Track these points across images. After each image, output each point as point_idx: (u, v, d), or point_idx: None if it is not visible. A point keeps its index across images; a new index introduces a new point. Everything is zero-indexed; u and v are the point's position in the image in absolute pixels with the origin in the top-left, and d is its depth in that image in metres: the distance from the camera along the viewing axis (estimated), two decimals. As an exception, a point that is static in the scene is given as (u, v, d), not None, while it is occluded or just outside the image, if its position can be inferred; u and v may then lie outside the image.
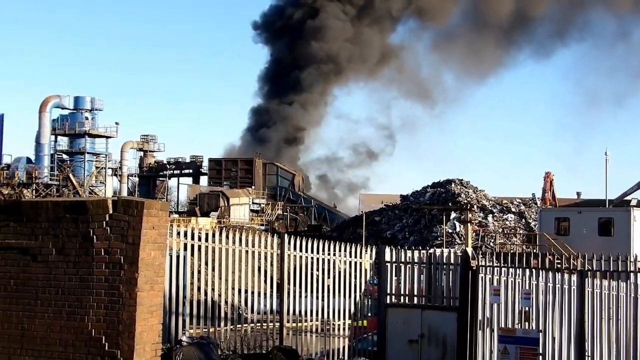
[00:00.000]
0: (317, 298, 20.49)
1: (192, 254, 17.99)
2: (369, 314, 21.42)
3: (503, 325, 18.74)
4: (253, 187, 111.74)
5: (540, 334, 17.68)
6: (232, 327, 19.04)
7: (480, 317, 19.02)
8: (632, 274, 18.46)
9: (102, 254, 13.10)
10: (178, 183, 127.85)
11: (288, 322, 19.74)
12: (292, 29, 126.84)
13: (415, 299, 20.44)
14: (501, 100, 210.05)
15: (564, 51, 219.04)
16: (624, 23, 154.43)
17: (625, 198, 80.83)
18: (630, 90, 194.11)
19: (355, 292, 21.07)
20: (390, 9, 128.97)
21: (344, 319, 21.08)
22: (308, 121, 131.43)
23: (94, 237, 13.15)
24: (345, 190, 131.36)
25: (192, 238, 17.84)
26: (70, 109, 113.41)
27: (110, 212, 13.13)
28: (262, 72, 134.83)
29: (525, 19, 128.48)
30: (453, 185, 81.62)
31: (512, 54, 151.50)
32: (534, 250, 51.83)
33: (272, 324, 19.49)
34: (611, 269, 18.56)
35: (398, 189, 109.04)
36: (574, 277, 18.74)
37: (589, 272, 18.66)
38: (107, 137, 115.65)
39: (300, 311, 20.13)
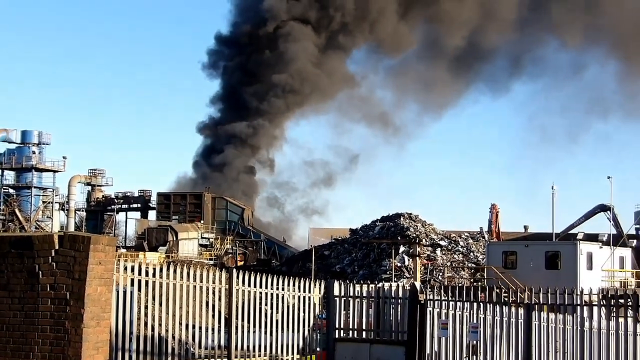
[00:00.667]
0: (266, 333, 20.42)
1: (140, 289, 17.85)
2: (318, 349, 21.38)
3: (451, 359, 18.80)
4: (202, 221, 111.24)
5: (488, 367, 17.75)
6: (179, 362, 18.89)
7: (428, 350, 19.07)
8: (578, 307, 18.62)
9: (48, 289, 12.96)
10: (126, 217, 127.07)
11: (236, 357, 19.63)
12: (248, 54, 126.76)
13: (364, 333, 20.45)
14: (453, 135, 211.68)
15: (518, 87, 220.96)
16: (576, 58, 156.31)
17: (572, 231, 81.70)
18: (583, 125, 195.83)
19: (304, 326, 21.03)
20: (349, 38, 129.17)
21: (293, 353, 21.01)
22: (262, 149, 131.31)
23: (40, 272, 13.02)
24: (297, 215, 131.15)
25: (140, 273, 17.71)
26: (17, 143, 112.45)
27: (57, 247, 13.02)
28: (214, 99, 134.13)
29: (479, 55, 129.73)
30: (402, 219, 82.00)
31: (467, 89, 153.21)
32: (482, 284, 52.12)
33: (220, 359, 19.38)
34: (557, 302, 18.71)
35: (348, 223, 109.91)
36: (521, 311, 18.87)
37: (535, 305, 18.80)
38: (55, 171, 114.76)
39: (248, 346, 20.03)
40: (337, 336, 20.41)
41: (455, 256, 77.01)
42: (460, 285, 41.91)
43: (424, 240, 76.12)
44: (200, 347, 19.76)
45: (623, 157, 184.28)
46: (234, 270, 20.04)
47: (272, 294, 20.46)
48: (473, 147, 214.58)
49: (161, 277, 18.17)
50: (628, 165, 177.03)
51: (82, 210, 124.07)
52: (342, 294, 20.65)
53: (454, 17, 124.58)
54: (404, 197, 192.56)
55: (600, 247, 55.54)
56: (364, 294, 20.47)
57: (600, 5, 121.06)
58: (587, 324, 18.62)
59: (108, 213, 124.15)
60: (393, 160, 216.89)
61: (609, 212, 78.14)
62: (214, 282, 19.39)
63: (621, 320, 18.26)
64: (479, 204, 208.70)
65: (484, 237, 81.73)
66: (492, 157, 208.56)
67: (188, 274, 18.73)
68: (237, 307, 19.61)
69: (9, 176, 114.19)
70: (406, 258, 71.95)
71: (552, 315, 19.21)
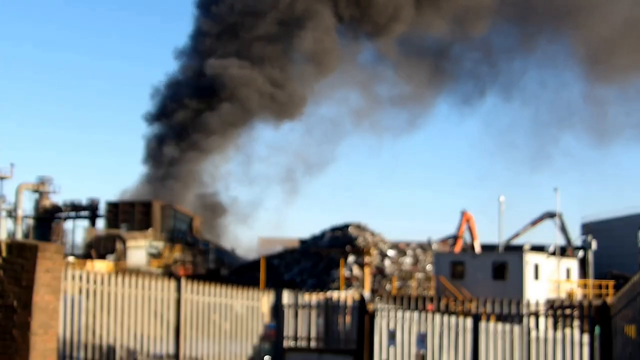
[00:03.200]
0: (215, 342, 20.39)
1: (88, 298, 17.76)
2: (268, 358, 21.38)
3: (399, 368, 18.90)
4: (151, 229, 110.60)
5: (436, 376, 17.87)
6: (127, 371, 18.80)
7: (376, 359, 19.15)
8: (525, 316, 18.80)
9: (-5, 297, 12.86)
10: (74, 226, 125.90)
11: (185, 366, 19.58)
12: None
13: (313, 342, 20.50)
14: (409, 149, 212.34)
15: (487, 99, 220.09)
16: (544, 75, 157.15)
17: (519, 242, 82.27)
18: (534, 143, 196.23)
19: (253, 336, 21.03)
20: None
21: (242, 363, 21.00)
22: (211, 158, 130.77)
23: (-13, 280, 12.91)
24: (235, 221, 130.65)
25: (87, 281, 17.63)
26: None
27: (4, 255, 12.91)
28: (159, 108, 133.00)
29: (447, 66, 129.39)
30: (351, 228, 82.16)
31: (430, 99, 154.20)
32: (430, 294, 52.45)
33: (168, 368, 19.32)
34: (504, 312, 18.89)
35: (297, 233, 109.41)
36: (469, 320, 19.02)
37: (482, 315, 18.97)
38: (2, 178, 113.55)
39: (197, 356, 19.99)
40: (286, 345, 20.43)
41: (404, 266, 77.31)
42: (408, 295, 42.15)
43: (372, 250, 76.36)
44: (148, 356, 19.68)
45: (571, 169, 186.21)
46: (183, 279, 20.00)
47: (221, 303, 20.44)
48: (430, 161, 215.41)
49: (109, 285, 18.10)
50: (574, 179, 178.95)
51: (30, 218, 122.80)
52: (292, 303, 20.68)
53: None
54: (354, 208, 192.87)
55: (547, 258, 56.11)
56: (313, 304, 20.53)
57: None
58: (533, 333, 18.82)
59: (56, 221, 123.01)
60: (342, 172, 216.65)
61: (556, 219, 78.79)
62: (162, 291, 19.34)
63: (567, 330, 18.48)
64: (430, 214, 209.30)
65: (431, 248, 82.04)
66: (449, 170, 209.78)
67: (137, 282, 18.67)
68: (186, 316, 19.57)
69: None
70: (355, 267, 72.12)
71: (499, 325, 19.39)
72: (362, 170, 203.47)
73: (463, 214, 78.93)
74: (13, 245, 13.00)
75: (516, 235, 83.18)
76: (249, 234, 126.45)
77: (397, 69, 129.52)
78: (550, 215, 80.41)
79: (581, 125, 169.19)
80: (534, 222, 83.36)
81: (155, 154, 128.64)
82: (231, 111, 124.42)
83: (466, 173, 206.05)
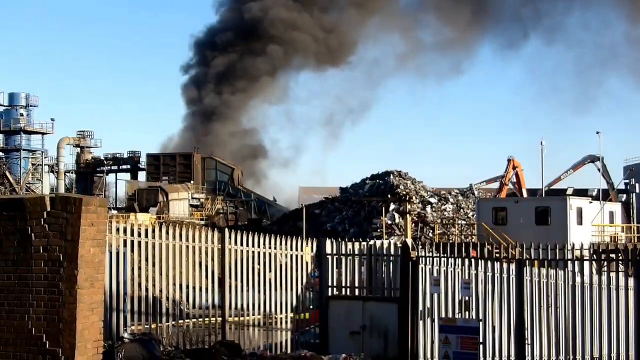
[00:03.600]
0: (259, 292, 20.49)
1: (132, 250, 17.89)
2: (311, 307, 21.48)
3: (444, 315, 18.90)
4: (192, 181, 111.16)
5: (481, 323, 17.85)
6: (174, 322, 18.98)
7: (421, 307, 19.16)
8: (569, 262, 18.70)
9: (41, 251, 12.95)
10: (116, 179, 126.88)
11: (230, 316, 19.72)
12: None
13: (357, 290, 20.54)
14: (456, 95, 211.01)
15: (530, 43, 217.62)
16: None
17: (561, 185, 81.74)
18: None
19: (297, 285, 21.11)
20: None
21: (286, 312, 21.11)
22: (254, 106, 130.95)
23: (32, 234, 12.99)
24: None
25: (132, 234, 17.75)
26: (4, 106, 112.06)
27: (48, 209, 12.98)
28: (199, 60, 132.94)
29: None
30: (391, 177, 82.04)
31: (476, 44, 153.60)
32: (473, 240, 52.30)
33: (214, 318, 19.46)
34: (548, 257, 18.79)
35: (338, 182, 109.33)
36: (512, 266, 18.95)
37: (526, 261, 18.89)
38: (43, 134, 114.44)
39: (242, 305, 20.12)
40: (330, 294, 20.49)
41: (446, 213, 77.18)
42: (451, 242, 42.08)
43: (414, 197, 76.24)
44: (194, 306, 19.85)
45: (615, 112, 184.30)
46: (226, 229, 20.08)
47: (264, 253, 20.51)
48: (472, 107, 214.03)
49: (153, 237, 18.21)
50: (618, 122, 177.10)
51: (72, 172, 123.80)
52: (334, 252, 20.71)
53: None
54: (395, 153, 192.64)
55: (590, 202, 55.72)
56: (356, 252, 20.54)
57: None
58: (578, 278, 18.72)
59: (98, 175, 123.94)
60: (383, 120, 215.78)
61: (598, 162, 78.10)
62: (206, 242, 19.43)
63: (612, 274, 18.36)
64: (469, 160, 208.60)
65: (473, 194, 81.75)
66: (491, 117, 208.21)
67: (180, 234, 18.76)
68: (230, 266, 19.67)
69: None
70: (396, 216, 72.12)
71: (543, 271, 19.30)
72: (403, 116, 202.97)
73: (510, 161, 76.47)
74: (57, 199, 13.06)
75: (558, 179, 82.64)
76: (290, 180, 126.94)
77: (439, 13, 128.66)
78: (592, 159, 79.72)
79: (625, 68, 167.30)
80: (576, 167, 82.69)
81: (195, 101, 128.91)
82: (278, 54, 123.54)
83: (509, 118, 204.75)
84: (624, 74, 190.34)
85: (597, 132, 70.55)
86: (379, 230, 68.29)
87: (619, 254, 18.67)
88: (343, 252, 20.61)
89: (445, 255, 19.52)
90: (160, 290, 18.47)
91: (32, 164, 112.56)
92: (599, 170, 77.87)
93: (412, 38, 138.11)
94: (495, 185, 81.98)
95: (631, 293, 17.72)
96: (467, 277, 19.08)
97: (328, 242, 20.83)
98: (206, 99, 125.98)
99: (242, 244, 19.88)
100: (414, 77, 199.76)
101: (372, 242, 21.48)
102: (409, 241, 21.84)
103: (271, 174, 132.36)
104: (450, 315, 18.88)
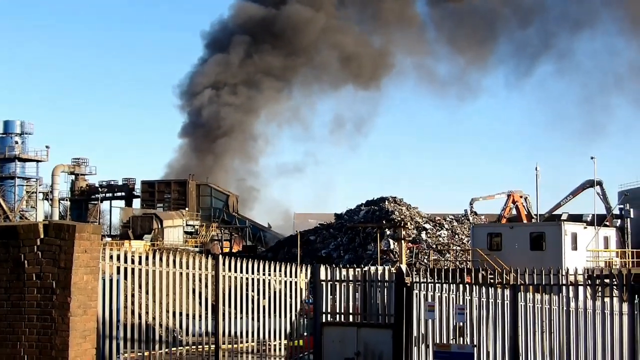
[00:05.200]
0: (253, 319, 20.44)
1: (126, 277, 17.83)
2: (305, 334, 21.40)
3: (438, 341, 18.86)
4: (187, 208, 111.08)
5: (475, 348, 17.82)
6: (167, 350, 18.89)
7: (415, 333, 19.11)
8: (563, 287, 18.68)
9: (34, 278, 12.93)
10: (110, 206, 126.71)
11: (224, 343, 19.65)
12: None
13: (351, 317, 20.48)
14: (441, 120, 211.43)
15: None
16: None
17: (558, 212, 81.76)
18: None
19: (291, 311, 21.06)
20: None
21: (280, 339, 21.04)
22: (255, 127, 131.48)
23: (26, 262, 12.98)
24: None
25: (125, 261, 17.69)
26: None
27: (42, 236, 12.98)
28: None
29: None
30: (387, 203, 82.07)
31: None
32: (468, 266, 52.29)
33: (207, 346, 19.39)
34: (543, 283, 18.78)
35: (333, 208, 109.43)
36: (507, 292, 18.93)
37: (521, 286, 18.87)
38: (38, 161, 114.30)
39: (236, 332, 20.05)
40: (324, 320, 20.43)
41: (441, 239, 77.15)
42: (446, 267, 42.06)
43: (409, 223, 76.22)
44: (187, 334, 19.77)
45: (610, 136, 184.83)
46: (220, 256, 20.03)
47: (258, 280, 20.47)
48: (468, 134, 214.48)
49: (147, 264, 18.16)
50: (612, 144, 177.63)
51: (66, 200, 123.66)
52: (329, 278, 20.67)
53: None
54: (390, 181, 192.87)
55: (585, 228, 55.76)
56: (350, 278, 20.50)
57: None
58: (572, 303, 18.70)
59: (92, 202, 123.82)
60: (380, 147, 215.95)
61: (598, 187, 78.03)
62: (200, 269, 19.39)
63: (607, 299, 18.34)
64: (463, 187, 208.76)
65: (468, 220, 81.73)
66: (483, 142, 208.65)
67: (174, 261, 18.71)
68: (224, 293, 19.62)
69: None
70: (391, 242, 72.05)
71: (537, 296, 19.28)
72: (398, 143, 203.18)
73: (510, 196, 76.84)
74: (51, 227, 13.06)
75: (558, 205, 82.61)
76: (285, 205, 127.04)
77: (452, 42, 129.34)
78: (591, 184, 79.77)
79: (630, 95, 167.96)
80: (575, 192, 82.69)
81: (195, 126, 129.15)
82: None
83: (514, 144, 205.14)
84: (629, 100, 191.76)
85: (592, 157, 70.86)
86: (373, 257, 68.18)
87: (614, 279, 18.65)
88: (337, 278, 20.57)
89: (440, 281, 19.50)
90: (154, 318, 18.40)
91: (27, 192, 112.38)
92: (598, 194, 77.85)
93: (425, 67, 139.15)
94: (495, 201, 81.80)
95: (625, 318, 17.70)
96: (461, 303, 19.05)
97: (322, 268, 20.79)
98: (205, 115, 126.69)
99: (236, 271, 19.84)
100: (421, 100, 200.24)
101: (366, 268, 21.44)
102: (404, 267, 21.81)
103: (266, 198, 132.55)
104: (444, 341, 18.84)
